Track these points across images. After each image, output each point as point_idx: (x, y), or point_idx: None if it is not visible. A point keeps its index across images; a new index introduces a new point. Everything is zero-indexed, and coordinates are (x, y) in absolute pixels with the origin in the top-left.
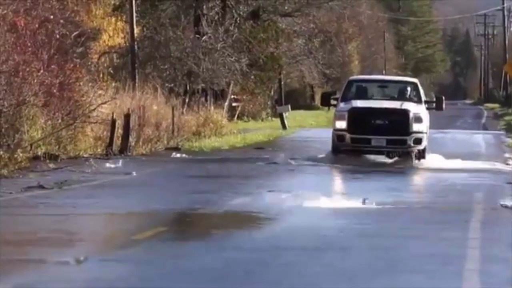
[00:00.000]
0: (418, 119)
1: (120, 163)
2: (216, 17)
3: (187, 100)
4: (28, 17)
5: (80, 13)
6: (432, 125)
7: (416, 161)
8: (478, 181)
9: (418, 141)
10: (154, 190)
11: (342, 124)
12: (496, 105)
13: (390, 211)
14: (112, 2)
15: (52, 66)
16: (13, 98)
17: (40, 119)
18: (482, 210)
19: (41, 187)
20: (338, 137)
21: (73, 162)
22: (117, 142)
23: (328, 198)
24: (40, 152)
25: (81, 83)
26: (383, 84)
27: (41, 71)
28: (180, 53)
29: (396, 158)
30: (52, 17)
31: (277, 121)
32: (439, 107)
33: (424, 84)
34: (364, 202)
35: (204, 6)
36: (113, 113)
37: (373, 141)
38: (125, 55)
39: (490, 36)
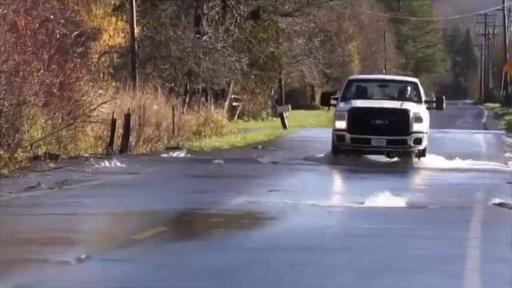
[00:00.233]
0: (418, 119)
1: (120, 162)
2: (216, 17)
3: (187, 100)
4: (28, 17)
5: (80, 13)
6: (433, 125)
7: (416, 161)
8: (478, 181)
9: (418, 141)
10: (154, 189)
11: (342, 124)
12: (497, 105)
13: (390, 211)
14: (113, 2)
15: (53, 66)
16: (14, 97)
17: (40, 119)
18: (482, 210)
19: (41, 187)
20: (338, 137)
21: (74, 162)
22: (118, 141)
23: (328, 197)
24: (40, 151)
25: (82, 83)
26: (383, 83)
27: (42, 70)
28: (181, 53)
29: (396, 158)
30: (52, 17)
31: (277, 120)
32: (439, 107)
33: (424, 83)
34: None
35: (205, 6)
36: (113, 113)
37: (373, 141)
38: (125, 55)
39: (490, 36)
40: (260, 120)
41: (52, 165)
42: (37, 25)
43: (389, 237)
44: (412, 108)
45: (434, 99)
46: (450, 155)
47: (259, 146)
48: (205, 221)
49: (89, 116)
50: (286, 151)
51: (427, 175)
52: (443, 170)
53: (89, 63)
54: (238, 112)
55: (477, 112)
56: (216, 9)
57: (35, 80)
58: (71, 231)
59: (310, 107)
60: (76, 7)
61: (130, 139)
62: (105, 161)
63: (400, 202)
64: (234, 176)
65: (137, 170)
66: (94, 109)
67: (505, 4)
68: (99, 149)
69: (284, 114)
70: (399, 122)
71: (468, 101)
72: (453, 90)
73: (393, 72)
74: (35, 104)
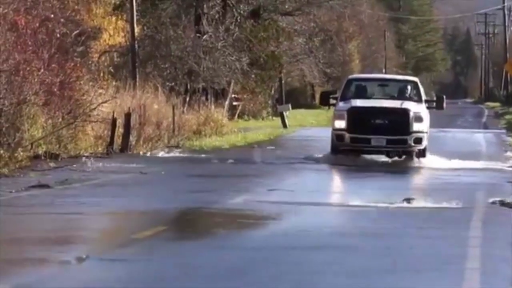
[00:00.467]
0: (419, 119)
1: (120, 162)
2: (216, 16)
3: (187, 99)
4: (28, 16)
5: (80, 12)
6: (433, 124)
7: (417, 161)
8: (478, 180)
9: (419, 140)
10: (154, 189)
11: (341, 124)
12: (497, 104)
13: (390, 210)
14: (113, 1)
15: (53, 65)
16: (14, 97)
17: (40, 118)
18: (482, 209)
19: (41, 186)
20: (337, 136)
21: (74, 161)
22: (118, 141)
23: (328, 197)
24: (40, 151)
25: (82, 82)
26: (383, 83)
27: (42, 70)
28: (181, 52)
29: (396, 158)
30: (52, 16)
31: (277, 120)
32: (439, 106)
33: (424, 83)
34: (408, 201)
35: (205, 5)
36: (113, 112)
37: (373, 141)
38: (125, 54)
39: (490, 35)
40: (260, 120)
41: (52, 164)
42: (37, 24)
43: (390, 237)
44: (412, 107)
45: (434, 98)
46: (450, 154)
47: (255, 146)
48: (205, 220)
49: (89, 116)
50: (286, 150)
51: (427, 174)
52: (443, 169)
53: (89, 62)
54: (238, 111)
55: (478, 112)
56: (216, 8)
57: (36, 79)
58: (71, 230)
59: (310, 106)
60: (76, 7)
61: (131, 138)
62: (106, 160)
63: (399, 201)
64: (234, 175)
65: (137, 169)
66: (94, 109)
67: (505, 4)
68: (100, 149)
69: (284, 113)
70: (399, 122)
71: (468, 100)
72: (454, 89)
73: (393, 71)
74: (36, 103)
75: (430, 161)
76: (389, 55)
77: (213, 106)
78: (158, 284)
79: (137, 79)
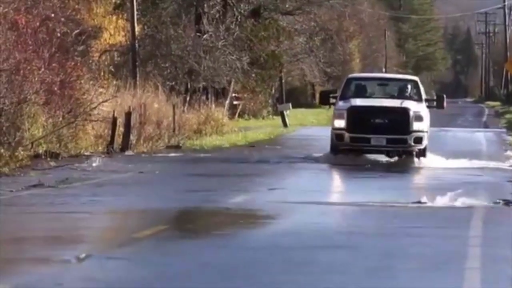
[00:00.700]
0: (419, 118)
1: (120, 161)
2: (217, 15)
3: (188, 98)
4: (29, 15)
5: (81, 12)
6: (433, 123)
7: (417, 160)
8: (479, 180)
9: (419, 140)
10: (154, 188)
11: (341, 123)
12: (497, 103)
13: (391, 210)
14: (113, 0)
15: (53, 64)
16: (14, 96)
17: (41, 117)
18: (483, 208)
19: (42, 185)
20: (337, 136)
21: (74, 160)
22: (118, 140)
23: (328, 196)
24: (41, 150)
25: (82, 81)
26: (382, 82)
27: (42, 69)
28: (181, 51)
29: (396, 158)
30: (53, 15)
31: (278, 119)
32: (440, 106)
33: (425, 82)
34: (421, 201)
35: (205, 4)
36: (114, 111)
37: (373, 140)
38: (126, 53)
39: (491, 34)
40: (260, 119)
41: (52, 163)
42: (37, 24)
43: (390, 236)
44: (412, 106)
45: (435, 97)
46: (450, 153)
47: (254, 145)
48: (206, 219)
49: (90, 115)
50: (287, 149)
51: (427, 174)
52: (443, 169)
53: (90, 61)
54: (238, 110)
55: (478, 111)
56: (217, 7)
57: (36, 79)
58: (72, 229)
59: (310, 105)
60: (76, 6)
61: (131, 137)
62: (106, 159)
63: (399, 200)
64: (234, 174)
65: (138, 168)
66: (94, 108)
67: (506, 3)
68: (100, 148)
69: (284, 112)
70: (399, 121)
71: (468, 99)
72: (454, 88)
73: (394, 71)
74: (36, 102)
75: (430, 160)
76: (390, 54)
77: (213, 105)
78: (158, 283)
79: (138, 78)
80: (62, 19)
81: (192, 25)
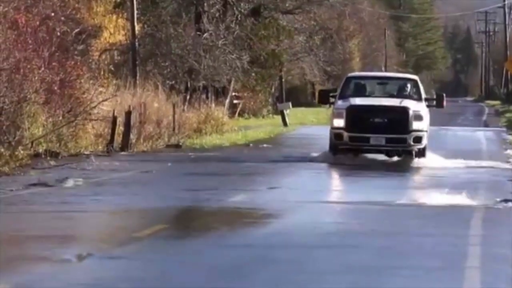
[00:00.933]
0: (418, 117)
1: (120, 160)
2: (217, 14)
3: (188, 97)
4: (29, 15)
5: (81, 11)
6: (433, 122)
7: (416, 160)
8: (479, 179)
9: (418, 139)
10: (155, 187)
11: (340, 122)
12: (497, 102)
13: (391, 209)
14: None
15: (53, 64)
16: (14, 95)
17: (41, 116)
18: (483, 208)
19: (42, 184)
20: (336, 135)
21: (74, 159)
22: (118, 139)
23: (327, 195)
24: (41, 149)
25: (82, 81)
26: (382, 81)
27: (42, 68)
28: (181, 50)
29: (395, 157)
30: (53, 14)
31: (278, 118)
32: (439, 105)
33: (425, 81)
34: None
35: (205, 3)
36: (114, 110)
37: (372, 140)
38: (126, 52)
39: (491, 33)
40: (260, 118)
41: (52, 162)
42: (37, 23)
43: (390, 235)
44: (412, 105)
45: (435, 96)
46: (450, 152)
47: (250, 144)
48: (206, 218)
49: (90, 114)
50: (287, 148)
51: (427, 173)
52: (442, 168)
53: (90, 60)
54: (238, 109)
55: (478, 110)
56: (217, 6)
57: (36, 78)
58: (72, 228)
59: (310, 104)
60: (76, 5)
61: (131, 136)
62: (106, 158)
63: (399, 199)
64: (234, 173)
65: (138, 167)
66: (94, 107)
67: (506, 2)
68: (100, 147)
69: (284, 111)
70: (399, 120)
71: (468, 98)
72: (454, 87)
73: (394, 70)
74: (36, 101)
75: (430, 160)
76: (390, 53)
77: (213, 104)
78: (158, 282)
79: (138, 77)
80: (62, 18)
81: (192, 24)
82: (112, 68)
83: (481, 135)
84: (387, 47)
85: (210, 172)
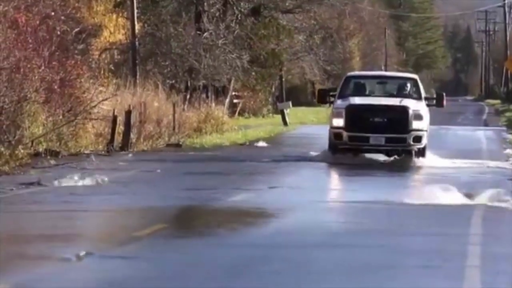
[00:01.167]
0: (418, 116)
1: (121, 159)
2: (217, 14)
3: (188, 97)
4: (29, 14)
5: (81, 10)
6: (434, 121)
7: (416, 160)
8: (479, 178)
9: (418, 139)
10: (155, 186)
11: (339, 122)
12: (497, 101)
13: (391, 208)
14: None
15: (53, 63)
16: (14, 94)
17: (41, 116)
18: (483, 207)
19: (41, 183)
20: (335, 135)
21: (74, 159)
22: (118, 138)
23: (327, 195)
24: (41, 148)
25: (82, 80)
26: (381, 80)
27: (42, 67)
28: (181, 50)
29: (395, 157)
30: (53, 13)
31: (278, 117)
32: (439, 104)
33: (425, 80)
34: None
35: (205, 3)
36: (114, 110)
37: (372, 139)
38: (126, 52)
39: (491, 33)
40: (260, 117)
41: (52, 161)
42: (37, 22)
43: (391, 234)
44: (412, 105)
45: (434, 95)
46: (450, 151)
47: (247, 143)
48: (206, 218)
49: (90, 113)
50: (287, 147)
51: (427, 173)
52: (442, 167)
53: (90, 60)
54: (238, 109)
55: (478, 109)
56: (217, 5)
57: (36, 77)
58: (72, 228)
59: (310, 103)
60: (76, 4)
61: (131, 135)
62: (106, 157)
63: (399, 198)
64: (234, 173)
65: (138, 166)
66: (94, 106)
67: (506, 1)
68: (100, 146)
69: (284, 110)
70: (398, 120)
71: (468, 97)
72: (454, 86)
73: (394, 69)
74: (36, 100)
75: (430, 159)
76: (390, 52)
77: (213, 104)
78: (159, 282)
79: (138, 77)
80: (62, 17)
81: (192, 23)
82: (112, 67)
83: (481, 134)
84: (387, 46)
85: (211, 171)
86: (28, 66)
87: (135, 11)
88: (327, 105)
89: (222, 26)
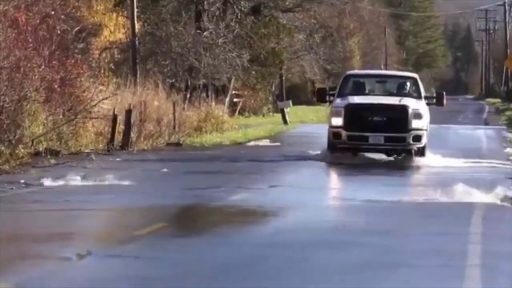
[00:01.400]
0: (418, 116)
1: (121, 158)
2: (217, 13)
3: (188, 96)
4: (29, 13)
5: (81, 9)
6: (434, 120)
7: (416, 159)
8: (479, 177)
9: (418, 138)
10: (155, 185)
11: (338, 121)
12: (497, 100)
13: (391, 208)
14: None
15: (53, 62)
16: (15, 93)
17: (41, 115)
18: (483, 206)
19: (41, 183)
20: (334, 134)
21: (74, 158)
22: (118, 137)
23: (327, 194)
24: (41, 147)
25: (82, 79)
26: (381, 79)
27: (42, 66)
28: (181, 49)
29: (395, 156)
30: (53, 12)
31: (278, 116)
32: (439, 103)
33: (425, 79)
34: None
35: (205, 2)
36: (114, 109)
37: (371, 139)
38: (126, 51)
39: (491, 31)
40: (261, 116)
41: (53, 161)
42: (38, 21)
43: (391, 234)
44: (411, 104)
45: (434, 94)
46: (451, 150)
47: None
48: (207, 217)
49: (90, 112)
50: (287, 146)
51: (427, 172)
52: (443, 166)
53: (90, 59)
54: (239, 108)
55: (478, 108)
56: (217, 4)
57: (36, 76)
58: (72, 227)
59: (311, 102)
60: (76, 3)
61: (131, 135)
62: (106, 157)
63: (398, 197)
64: (235, 172)
65: (138, 165)
66: (95, 105)
67: (506, 0)
68: (100, 145)
69: (285, 109)
70: (398, 119)
71: (469, 96)
72: (454, 85)
73: (394, 68)
74: (36, 100)
75: (430, 158)
76: (390, 51)
77: (213, 103)
78: (159, 280)
79: (138, 76)
80: (62, 16)
81: (192, 22)
82: (112, 67)
83: (481, 133)
84: (387, 45)
85: (211, 170)
86: (28, 65)
87: (135, 10)
88: (327, 104)
89: (222, 25)
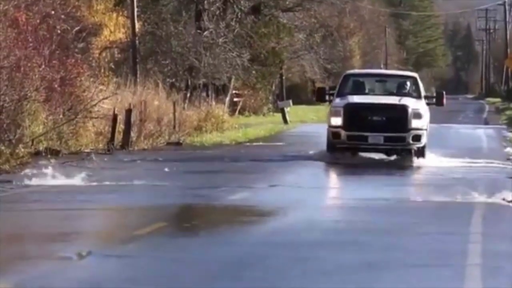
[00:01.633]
0: (417, 115)
1: (121, 158)
2: (217, 12)
3: (188, 95)
4: (29, 13)
5: (81, 8)
6: (434, 120)
7: (415, 159)
8: (479, 177)
9: (417, 138)
10: (155, 185)
11: (337, 121)
12: (498, 100)
13: (391, 208)
14: None
15: (54, 62)
16: (15, 93)
17: (41, 114)
18: (483, 205)
19: (42, 183)
20: (333, 134)
21: (75, 157)
22: (119, 137)
23: (327, 193)
24: (41, 147)
25: (83, 79)
26: (381, 78)
27: (43, 66)
28: (182, 48)
29: (394, 156)
30: (53, 12)
31: (278, 116)
32: (439, 103)
33: (425, 78)
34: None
35: (205, 1)
36: (114, 108)
37: (370, 138)
38: (126, 50)
39: (491, 31)
40: (261, 115)
41: (53, 160)
42: (38, 21)
43: (390, 233)
44: (411, 103)
45: (434, 94)
46: (451, 150)
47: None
48: (207, 216)
49: (90, 112)
50: (287, 146)
51: (426, 171)
52: (442, 166)
53: (90, 58)
54: (239, 107)
55: (478, 107)
56: (217, 4)
57: (36, 76)
58: (73, 226)
59: (311, 102)
60: (77, 3)
61: (131, 134)
62: (106, 156)
63: (400, 198)
64: (235, 171)
65: (138, 165)
66: (95, 105)
67: None
68: (100, 145)
69: (285, 109)
70: (397, 119)
71: (469, 96)
72: (454, 85)
73: (394, 67)
74: (36, 99)
75: (429, 158)
76: (390, 51)
77: (213, 102)
78: (159, 280)
79: (138, 75)
80: (62, 16)
81: (193, 22)
82: (113, 66)
83: (482, 133)
84: (388, 45)
85: (211, 170)
86: (29, 65)
87: (135, 9)
88: (327, 103)
89: (222, 25)
